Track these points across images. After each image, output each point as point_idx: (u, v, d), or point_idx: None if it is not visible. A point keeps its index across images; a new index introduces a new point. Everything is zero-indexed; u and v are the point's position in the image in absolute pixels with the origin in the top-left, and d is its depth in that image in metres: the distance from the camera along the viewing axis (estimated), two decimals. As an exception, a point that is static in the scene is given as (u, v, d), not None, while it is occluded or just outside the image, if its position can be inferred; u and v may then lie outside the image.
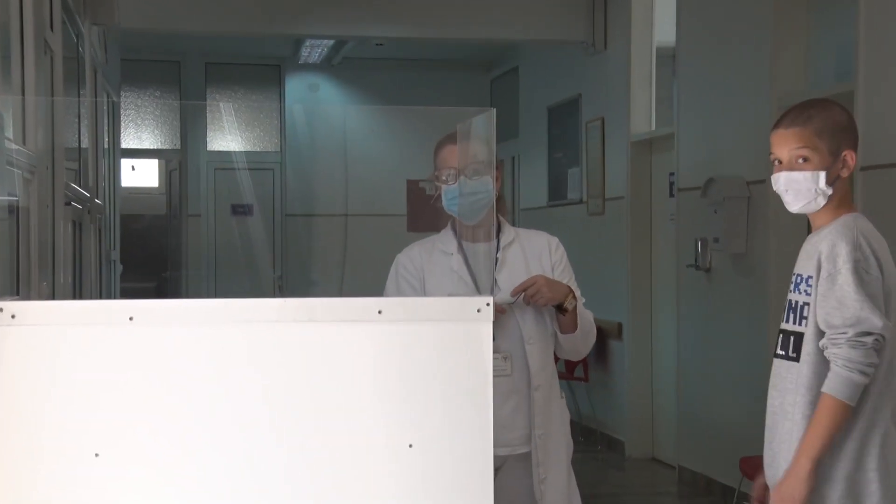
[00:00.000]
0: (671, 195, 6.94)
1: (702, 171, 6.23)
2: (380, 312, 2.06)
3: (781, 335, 2.71)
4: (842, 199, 2.69)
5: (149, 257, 9.97)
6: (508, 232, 3.08)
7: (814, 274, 2.63)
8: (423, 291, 2.99)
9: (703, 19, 6.43)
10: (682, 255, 6.58)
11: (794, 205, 2.69)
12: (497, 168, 2.88)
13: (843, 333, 2.55)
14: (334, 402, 2.03)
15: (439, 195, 3.00)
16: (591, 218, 8.00)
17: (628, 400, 7.47)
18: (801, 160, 2.66)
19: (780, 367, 2.70)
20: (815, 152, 2.64)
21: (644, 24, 7.43)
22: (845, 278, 2.57)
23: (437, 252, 3.07)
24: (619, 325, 7.52)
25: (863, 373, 2.54)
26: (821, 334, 2.61)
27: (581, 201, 8.23)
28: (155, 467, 1.96)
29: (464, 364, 2.10)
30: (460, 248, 3.04)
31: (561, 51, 8.50)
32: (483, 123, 2.73)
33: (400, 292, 3.00)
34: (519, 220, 9.80)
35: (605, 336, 7.71)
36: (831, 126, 2.65)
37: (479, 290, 2.96)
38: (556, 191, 8.77)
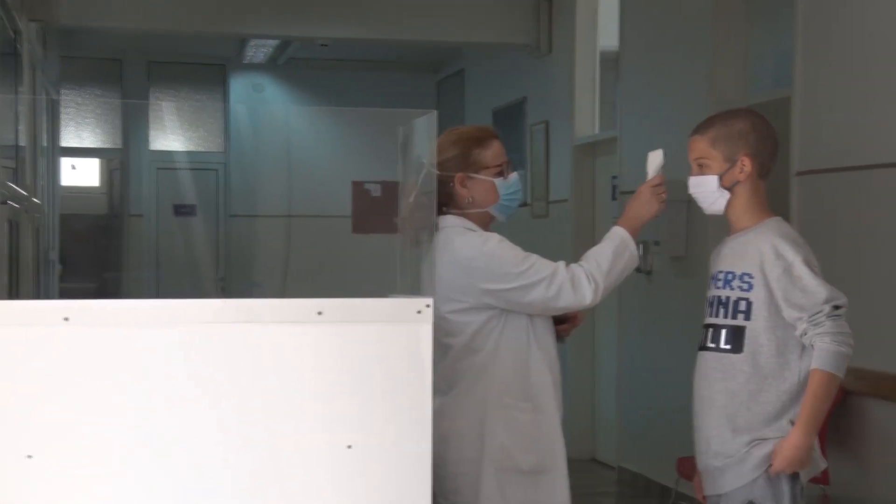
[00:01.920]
0: (614, 198, 6.99)
1: (643, 175, 6.26)
2: (320, 313, 2.07)
3: (711, 329, 2.83)
4: (759, 202, 2.86)
5: (89, 258, 9.84)
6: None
7: (754, 272, 2.77)
8: None
9: (646, 24, 6.49)
10: (624, 258, 6.64)
11: (702, 207, 2.90)
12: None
13: (820, 312, 2.69)
14: (273, 404, 2.02)
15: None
16: (535, 221, 8.04)
17: (570, 402, 7.51)
18: (700, 166, 2.86)
19: (709, 360, 2.82)
20: (711, 160, 2.83)
21: (588, 29, 7.47)
22: (800, 269, 2.72)
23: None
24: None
25: (849, 345, 2.70)
26: (782, 328, 2.73)
27: (525, 204, 8.27)
28: (89, 469, 1.94)
29: (403, 365, 2.11)
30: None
31: (506, 54, 8.53)
32: (426, 125, 2.73)
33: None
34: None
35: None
36: (727, 134, 2.82)
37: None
38: (501, 193, 8.81)
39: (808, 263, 2.74)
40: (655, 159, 3.09)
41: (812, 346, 2.71)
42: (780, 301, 2.74)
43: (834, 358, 2.68)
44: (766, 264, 2.76)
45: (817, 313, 2.70)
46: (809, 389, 2.70)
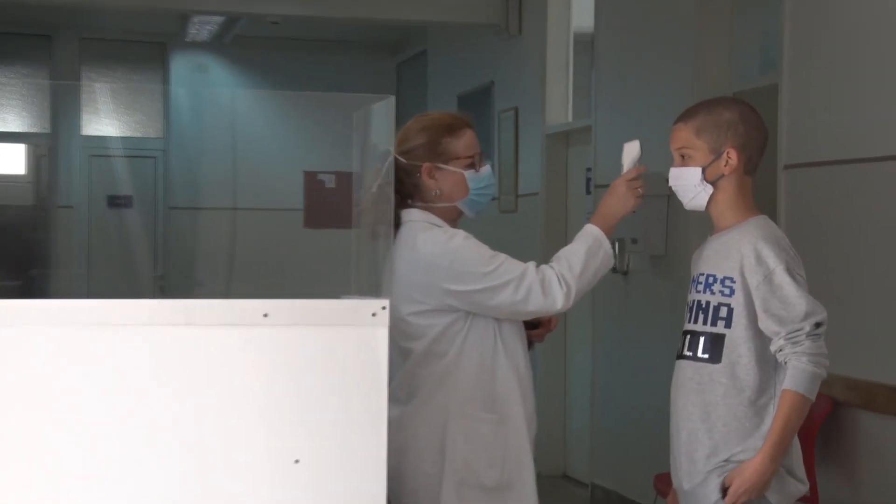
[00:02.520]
0: (588, 192, 7.01)
1: (620, 167, 6.30)
2: (265, 316, 2.05)
3: (689, 336, 2.86)
4: (744, 199, 2.88)
5: (13, 253, 9.74)
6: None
7: (735, 276, 2.80)
8: None
9: (624, 4, 6.51)
10: (599, 257, 6.67)
11: (682, 201, 2.92)
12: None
13: (800, 330, 2.72)
14: (213, 414, 2.01)
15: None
16: (502, 216, 8.05)
17: (539, 412, 7.52)
18: (683, 157, 2.87)
19: (686, 369, 2.85)
20: (695, 150, 2.85)
21: (561, 8, 7.49)
22: (782, 278, 2.75)
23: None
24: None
25: (825, 366, 2.74)
26: (761, 338, 2.76)
27: (493, 198, 8.26)
28: (11, 478, 1.92)
29: (357, 373, 2.10)
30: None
31: (472, 34, 8.53)
32: (383, 112, 2.73)
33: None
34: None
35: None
36: (713, 123, 2.84)
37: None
38: (466, 186, 8.82)
39: (790, 271, 2.75)
40: (631, 151, 3.11)
41: (786, 363, 2.73)
42: (759, 310, 2.76)
43: (809, 379, 2.71)
44: (746, 269, 2.78)
45: (797, 331, 2.72)
46: (780, 411, 2.72)
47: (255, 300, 2.07)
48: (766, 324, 2.75)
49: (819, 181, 4.71)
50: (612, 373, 6.60)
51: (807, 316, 2.72)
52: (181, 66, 10.26)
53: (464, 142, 3.10)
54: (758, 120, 2.90)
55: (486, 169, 3.13)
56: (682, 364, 2.87)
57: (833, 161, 4.62)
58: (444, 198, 3.08)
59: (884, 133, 4.30)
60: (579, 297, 2.97)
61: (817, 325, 2.72)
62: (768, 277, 2.75)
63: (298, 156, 9.72)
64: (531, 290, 2.93)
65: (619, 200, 3.08)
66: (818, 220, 4.66)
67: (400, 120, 3.35)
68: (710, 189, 2.85)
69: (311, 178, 10.75)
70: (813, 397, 2.73)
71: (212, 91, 10.65)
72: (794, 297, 2.73)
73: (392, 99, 2.55)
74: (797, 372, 2.70)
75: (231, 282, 9.21)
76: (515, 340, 3.04)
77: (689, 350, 2.85)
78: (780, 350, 2.74)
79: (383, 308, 2.12)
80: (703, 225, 5.62)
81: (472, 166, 3.10)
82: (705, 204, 2.87)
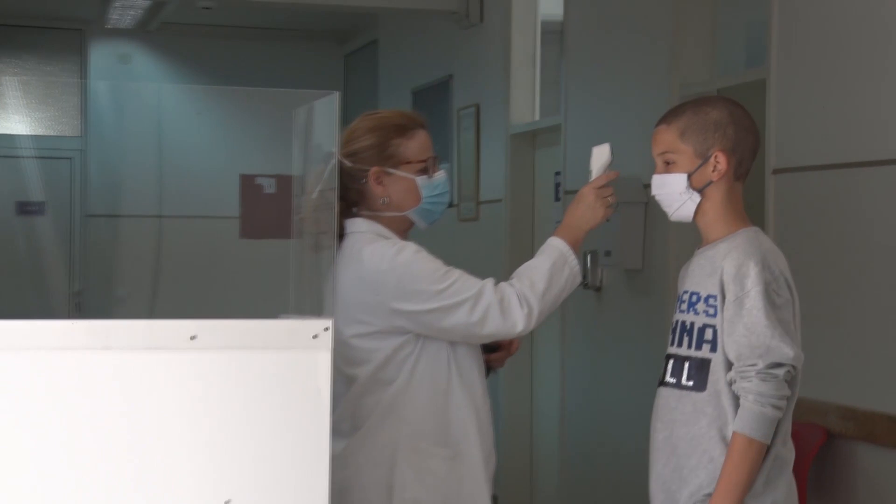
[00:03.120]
0: (557, 198, 7.02)
1: (589, 173, 6.32)
2: (193, 338, 2.07)
3: (672, 361, 2.88)
4: (734, 208, 2.90)
5: None
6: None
7: (717, 293, 2.81)
8: None
9: (597, -10, 6.57)
10: (569, 271, 6.68)
11: (668, 212, 2.93)
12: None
13: (753, 366, 2.72)
14: (134, 450, 2.00)
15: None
16: (462, 225, 8.07)
17: (503, 445, 7.52)
18: (666, 163, 2.89)
19: (668, 397, 2.86)
20: (679, 154, 2.87)
21: (527, -6, 7.55)
22: (754, 302, 2.74)
23: None
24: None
25: (775, 406, 2.71)
26: (729, 365, 2.78)
27: (451, 204, 8.28)
28: None
29: (296, 402, 2.12)
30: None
31: (428, 23, 8.54)
32: (327, 109, 2.73)
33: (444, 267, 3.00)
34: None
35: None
36: (700, 124, 2.86)
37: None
38: (421, 191, 8.83)
39: (767, 295, 2.75)
40: (601, 155, 3.12)
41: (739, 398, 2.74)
42: (724, 333, 2.77)
43: (755, 420, 2.70)
44: (725, 285, 2.79)
45: (749, 365, 2.72)
46: (727, 455, 2.72)
47: (183, 320, 2.09)
48: (727, 349, 2.77)
49: (811, 187, 4.73)
50: (584, 400, 6.61)
51: (767, 352, 2.72)
52: (101, 56, 10.20)
53: (416, 144, 3.11)
54: (748, 120, 2.92)
55: (440, 175, 3.14)
56: (663, 392, 2.89)
57: (827, 165, 4.65)
58: (393, 206, 3.09)
59: (883, 134, 4.33)
60: (542, 318, 2.98)
61: (776, 364, 2.72)
62: (740, 299, 2.76)
63: (233, 157, 9.68)
64: (488, 310, 2.94)
65: (586, 210, 3.10)
66: (810, 231, 4.68)
67: (347, 118, 3.35)
68: (696, 197, 2.87)
69: (247, 182, 10.70)
70: (765, 439, 2.72)
71: (135, 84, 10.59)
72: (760, 327, 2.73)
73: (337, 95, 2.57)
74: (742, 411, 2.72)
75: (156, 299, 9.15)
76: (472, 366, 3.04)
77: (672, 376, 2.86)
78: (732, 383, 2.76)
79: (326, 329, 2.14)
80: (684, 236, 5.66)
81: (424, 171, 3.11)
82: (692, 214, 2.89)
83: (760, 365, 2.71)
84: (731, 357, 2.76)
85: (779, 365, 2.72)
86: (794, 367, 2.75)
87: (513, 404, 7.50)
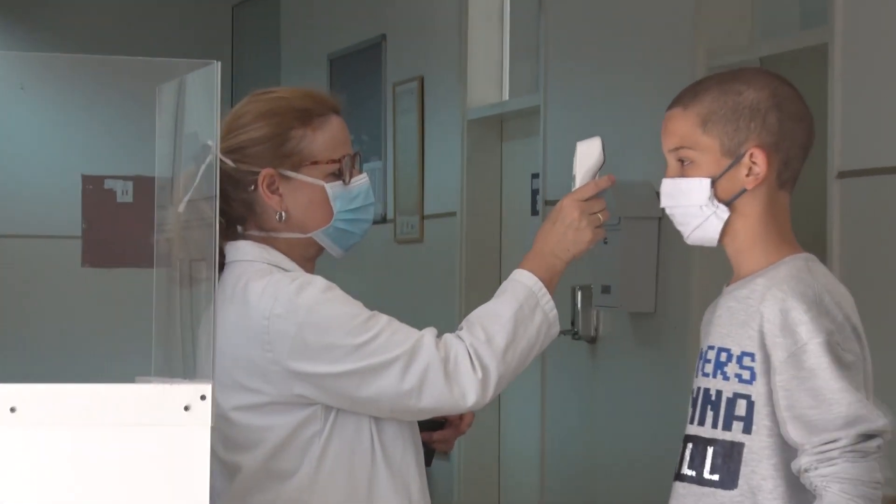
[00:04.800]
0: (535, 211, 7.06)
1: (571, 180, 6.33)
2: (13, 410, 2.07)
3: (692, 446, 2.89)
4: (777, 228, 2.89)
5: None
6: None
7: (755, 350, 2.80)
8: None
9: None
10: (551, 314, 6.68)
11: (683, 231, 2.91)
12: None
13: (834, 442, 2.71)
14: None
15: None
16: (400, 247, 8.11)
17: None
18: (680, 161, 2.89)
19: (686, 497, 2.87)
20: (700, 151, 2.86)
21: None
22: (817, 358, 2.73)
23: None
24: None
25: (871, 499, 2.70)
26: (787, 449, 2.77)
27: (385, 219, 8.28)
28: None
29: (159, 499, 2.11)
30: None
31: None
32: (205, 83, 2.71)
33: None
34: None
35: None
36: (729, 109, 2.85)
37: None
38: (343, 200, 8.83)
39: (831, 348, 2.75)
40: (589, 153, 3.12)
41: (815, 491, 2.73)
42: (780, 407, 2.77)
43: None
44: (768, 338, 2.79)
45: (830, 442, 2.71)
46: None
47: None
48: (788, 428, 2.76)
49: (886, 193, 4.77)
50: (573, 488, 6.61)
51: (849, 423, 2.71)
52: None
53: (327, 136, 3.13)
54: (798, 104, 2.93)
55: (361, 180, 3.14)
56: (680, 489, 2.89)
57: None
58: (294, 224, 3.11)
59: None
60: (503, 385, 3.01)
61: (866, 437, 2.72)
62: (796, 356, 2.75)
63: (74, 152, 9.64)
64: (427, 374, 2.95)
65: (567, 231, 3.11)
66: (886, 247, 4.72)
67: (234, 98, 3.33)
68: (724, 212, 2.86)
69: (92, 187, 10.63)
70: None
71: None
72: (833, 391, 2.72)
73: (217, 65, 2.51)
74: None
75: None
76: (405, 451, 3.05)
77: (690, 468, 2.87)
78: (806, 471, 2.74)
79: (202, 398, 2.13)
80: (714, 265, 5.67)
81: (339, 175, 3.11)
82: (717, 235, 2.89)
83: (845, 440, 2.70)
84: (795, 438, 2.75)
85: (869, 437, 2.71)
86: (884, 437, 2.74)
87: (474, 487, 7.50)
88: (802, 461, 2.73)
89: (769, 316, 2.78)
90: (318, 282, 3.02)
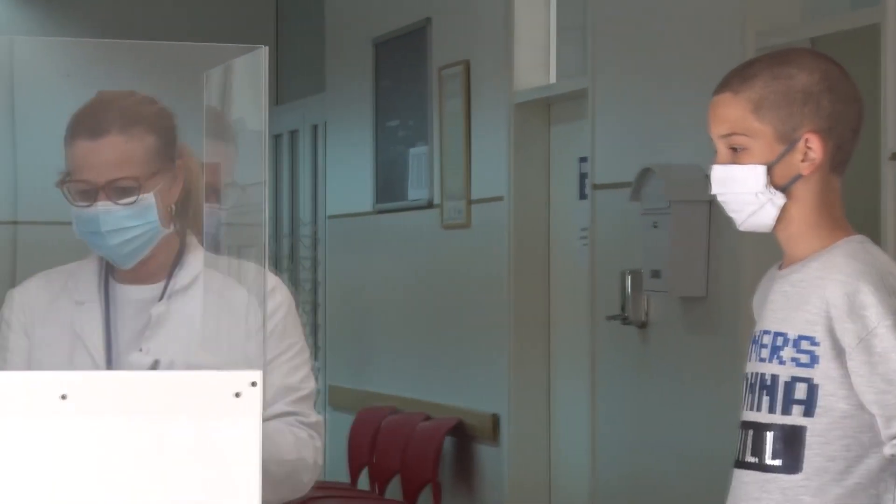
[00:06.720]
0: (582, 196, 7.04)
1: (633, 156, 6.33)
2: (63, 398, 2.06)
3: (751, 432, 2.88)
4: (830, 212, 2.89)
5: None
6: (192, 265, 3.19)
7: (820, 336, 2.80)
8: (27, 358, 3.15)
9: None
10: (601, 299, 6.68)
11: (736, 218, 2.92)
12: (181, 155, 3.21)
13: None
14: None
15: None
16: (447, 233, 8.08)
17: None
18: (732, 149, 2.88)
19: (749, 484, 2.88)
20: (754, 138, 2.85)
21: None
22: (888, 342, 2.75)
23: (63, 296, 3.26)
24: (494, 419, 7.61)
25: None
26: (864, 432, 2.78)
27: (431, 205, 8.27)
28: None
29: (212, 490, 2.11)
30: (104, 292, 3.22)
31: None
32: (250, 70, 2.70)
33: None
34: (325, 232, 9.81)
35: (469, 439, 7.80)
36: (781, 94, 2.85)
37: (110, 367, 3.08)
38: (389, 186, 8.86)
39: None
40: None
41: None
42: (859, 392, 2.77)
43: None
44: (836, 323, 2.79)
45: None
46: None
47: (50, 372, 2.14)
48: (873, 413, 2.78)
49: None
50: (623, 477, 6.62)
51: None
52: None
53: (70, 154, 3.28)
54: (849, 85, 2.91)
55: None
56: (744, 476, 2.88)
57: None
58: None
59: None
60: None
61: None
62: (866, 342, 2.76)
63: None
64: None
65: None
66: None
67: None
68: (780, 199, 2.85)
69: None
70: None
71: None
72: None
73: (265, 50, 2.54)
74: None
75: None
76: None
77: (752, 454, 2.86)
78: (893, 461, 2.77)
79: (253, 384, 2.13)
80: (765, 249, 5.62)
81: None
82: (773, 222, 2.88)
83: None
84: (879, 424, 2.76)
85: None
86: None
87: (520, 489, 7.52)
88: (886, 450, 2.77)
89: (835, 301, 2.78)
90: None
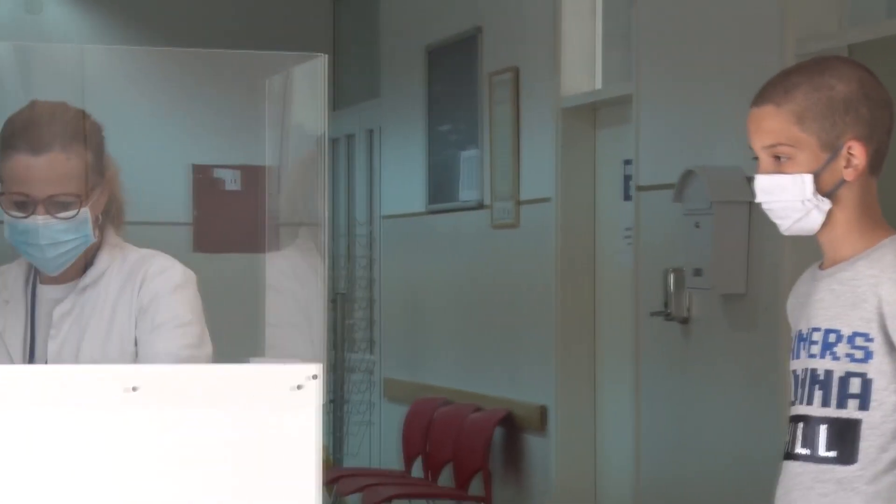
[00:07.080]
0: (627, 197, 7.06)
1: (676, 159, 6.36)
2: (134, 389, 2.10)
3: (802, 425, 2.89)
4: (870, 213, 2.91)
5: None
6: (101, 260, 3.27)
7: (874, 332, 2.83)
8: None
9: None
10: (644, 296, 6.69)
11: (782, 224, 2.92)
12: (108, 167, 3.27)
13: None
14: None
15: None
16: (496, 233, 8.06)
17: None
18: (777, 158, 2.88)
19: (802, 475, 2.88)
20: (800, 148, 2.87)
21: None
22: None
23: None
24: (542, 410, 7.61)
25: None
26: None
27: (481, 206, 8.28)
28: None
29: (273, 480, 2.14)
30: (29, 291, 3.24)
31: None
32: (309, 77, 2.77)
33: None
34: (380, 231, 9.88)
35: (518, 429, 7.80)
36: (823, 104, 2.86)
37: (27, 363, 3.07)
38: (441, 187, 8.85)
39: None
40: None
41: None
42: (879, 383, 2.80)
43: None
44: (888, 320, 2.81)
45: None
46: None
47: (117, 366, 2.24)
48: None
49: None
50: (666, 467, 6.62)
51: None
52: (2, 4, 10.24)
53: (7, 166, 3.20)
54: (882, 91, 2.92)
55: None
56: (793, 467, 2.90)
57: None
58: None
59: None
60: None
61: None
62: None
63: (183, 143, 9.65)
64: None
65: None
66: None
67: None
68: (826, 204, 2.87)
69: (202, 176, 10.64)
70: None
71: (49, 46, 10.61)
72: None
73: (324, 58, 2.58)
74: None
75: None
76: None
77: (804, 446, 2.88)
78: None
79: (314, 377, 2.18)
80: (803, 247, 5.64)
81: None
82: (818, 227, 2.89)
83: None
84: None
85: None
86: None
87: (568, 478, 7.52)
88: None
89: (889, 298, 2.81)
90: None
